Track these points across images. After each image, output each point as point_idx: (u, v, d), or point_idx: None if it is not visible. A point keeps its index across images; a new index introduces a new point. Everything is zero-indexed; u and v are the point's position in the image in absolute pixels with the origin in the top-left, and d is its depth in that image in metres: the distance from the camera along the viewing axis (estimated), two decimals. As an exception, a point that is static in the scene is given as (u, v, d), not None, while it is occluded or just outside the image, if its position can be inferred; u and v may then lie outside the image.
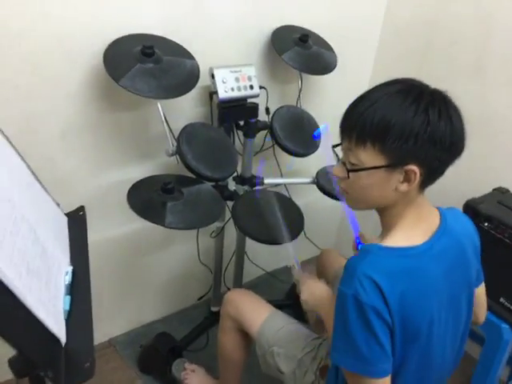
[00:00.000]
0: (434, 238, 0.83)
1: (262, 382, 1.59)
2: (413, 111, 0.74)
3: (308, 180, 1.62)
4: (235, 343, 1.26)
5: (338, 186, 0.87)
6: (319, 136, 1.05)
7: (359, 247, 1.09)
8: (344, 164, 0.83)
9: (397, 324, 0.78)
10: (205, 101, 1.47)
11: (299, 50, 1.50)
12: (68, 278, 0.82)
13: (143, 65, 1.15)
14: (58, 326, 0.71)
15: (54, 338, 0.69)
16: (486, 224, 1.32)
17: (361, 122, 0.77)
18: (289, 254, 1.13)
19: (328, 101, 1.81)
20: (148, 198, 1.14)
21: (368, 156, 0.78)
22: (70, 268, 0.85)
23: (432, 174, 0.79)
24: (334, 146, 0.87)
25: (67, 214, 1.02)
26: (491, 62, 1.52)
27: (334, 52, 1.59)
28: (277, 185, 1.65)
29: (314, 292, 1.03)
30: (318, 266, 1.49)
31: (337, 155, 0.87)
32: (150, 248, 1.67)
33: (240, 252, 1.73)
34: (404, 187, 0.78)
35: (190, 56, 1.25)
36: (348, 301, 0.77)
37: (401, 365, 0.84)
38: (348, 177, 0.82)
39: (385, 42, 1.84)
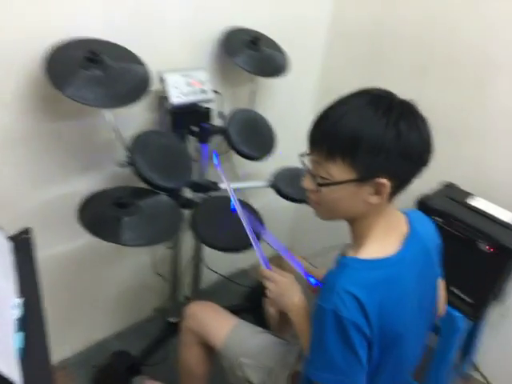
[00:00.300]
0: (405, 245, 0.84)
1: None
2: (384, 124, 0.73)
3: (264, 183, 1.60)
4: (198, 357, 1.22)
5: (309, 197, 0.86)
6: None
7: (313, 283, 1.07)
8: (314, 176, 0.81)
9: (375, 335, 0.79)
10: (155, 106, 1.41)
11: (251, 53, 1.47)
12: (17, 312, 0.74)
13: (88, 72, 1.07)
14: (8, 368, 0.64)
15: (7, 381, 0.62)
16: (439, 219, 1.37)
17: (331, 136, 0.76)
18: (256, 251, 1.08)
19: (280, 103, 1.81)
20: (101, 214, 1.06)
21: (338, 170, 0.77)
22: (18, 300, 0.77)
23: (401, 184, 0.80)
24: (302, 156, 0.85)
25: (10, 238, 0.93)
26: (435, 62, 1.58)
27: (285, 54, 1.58)
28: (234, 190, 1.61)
29: (285, 293, 0.99)
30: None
31: (305, 165, 0.85)
32: (100, 262, 1.58)
33: (197, 260, 1.68)
34: (374, 200, 0.79)
35: (139, 61, 1.18)
36: (327, 316, 0.76)
37: (377, 368, 0.84)
38: (318, 191, 0.81)
39: (332, 44, 1.85)
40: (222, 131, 1.48)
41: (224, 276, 2.07)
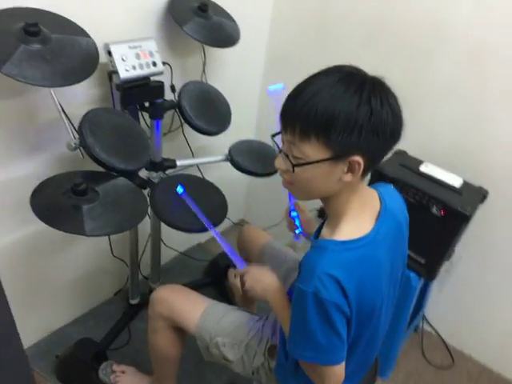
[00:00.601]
0: (379, 222, 0.85)
1: (198, 369, 1.58)
2: (356, 101, 0.72)
3: (221, 158, 1.57)
4: (170, 341, 1.20)
5: (282, 177, 0.85)
6: (274, 93, 0.99)
7: (292, 214, 1.13)
8: (287, 156, 0.80)
9: (354, 312, 0.81)
10: (101, 81, 1.31)
11: (200, 21, 1.40)
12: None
13: (28, 46, 0.96)
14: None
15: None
16: (392, 186, 1.42)
17: (303, 115, 0.74)
18: (230, 256, 1.09)
19: (229, 74, 1.75)
20: (56, 204, 0.98)
21: (312, 149, 0.76)
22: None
23: (374, 162, 0.80)
24: (273, 136, 0.83)
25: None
26: (385, 31, 1.59)
27: (235, 22, 1.52)
28: (189, 166, 1.57)
29: (262, 280, 1.01)
30: (239, 243, 1.47)
31: (277, 146, 0.84)
32: (53, 248, 1.49)
33: (156, 239, 1.64)
34: (348, 177, 0.79)
35: (83, 33, 1.08)
36: (308, 298, 0.78)
37: (354, 342, 0.88)
38: (293, 171, 0.79)
39: (279, 12, 1.80)
40: (176, 106, 1.42)
41: (182, 252, 2.04)
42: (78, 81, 1.00)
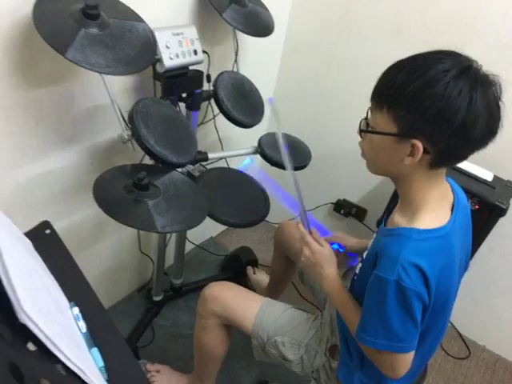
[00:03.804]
0: (454, 214, 0.86)
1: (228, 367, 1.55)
2: (430, 83, 0.72)
3: (251, 150, 1.53)
4: (219, 339, 1.17)
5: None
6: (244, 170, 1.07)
7: (333, 247, 1.13)
8: (366, 124, 0.83)
9: (432, 302, 0.81)
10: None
11: (237, 8, 1.35)
12: (83, 325, 0.64)
13: (87, 30, 0.90)
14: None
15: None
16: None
17: (384, 84, 0.77)
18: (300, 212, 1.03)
19: (250, 62, 1.70)
20: (120, 199, 0.92)
21: (382, 121, 0.78)
22: (76, 309, 0.66)
23: (443, 155, 0.78)
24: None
25: (27, 235, 0.78)
26: (411, 25, 1.59)
27: (268, 10, 1.48)
28: (220, 158, 1.53)
29: (320, 263, 0.98)
30: (276, 240, 1.45)
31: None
32: (80, 244, 1.42)
33: (182, 235, 1.59)
34: (408, 161, 0.79)
35: (137, 17, 1.02)
36: (389, 286, 0.78)
37: (425, 333, 0.88)
38: (360, 136, 0.83)
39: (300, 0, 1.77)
40: (211, 96, 1.38)
41: (199, 246, 2.00)
42: (142, 68, 0.95)
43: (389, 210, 0.99)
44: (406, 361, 0.85)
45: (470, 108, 0.72)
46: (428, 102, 0.72)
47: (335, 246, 1.14)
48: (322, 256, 0.99)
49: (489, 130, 0.75)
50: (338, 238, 1.15)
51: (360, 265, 0.99)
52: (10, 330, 0.44)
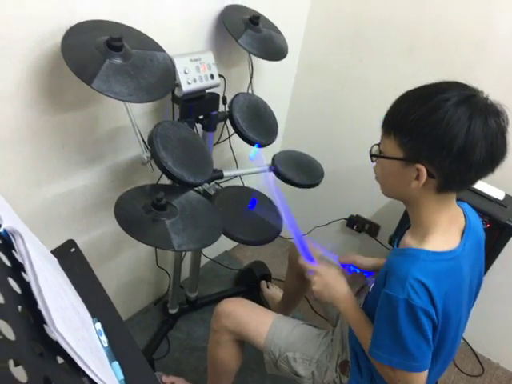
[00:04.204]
0: (465, 238, 0.88)
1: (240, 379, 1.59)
2: (430, 111, 0.76)
3: (265, 168, 1.58)
4: (232, 354, 1.21)
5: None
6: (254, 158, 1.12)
7: (351, 269, 1.17)
8: (378, 150, 0.88)
9: (440, 321, 0.84)
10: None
11: (252, 34, 1.41)
12: (105, 339, 0.68)
13: (111, 61, 0.96)
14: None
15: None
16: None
17: (392, 112, 0.83)
18: (299, 247, 1.11)
19: (265, 82, 1.75)
20: (139, 218, 0.98)
21: (390, 146, 0.83)
22: (99, 324, 0.71)
23: (447, 180, 0.81)
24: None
25: (53, 252, 0.84)
26: (421, 44, 1.62)
27: (282, 35, 1.54)
28: (234, 176, 1.58)
29: (333, 287, 1.02)
30: (290, 257, 1.49)
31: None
32: (100, 259, 1.48)
33: (197, 250, 1.64)
34: (414, 184, 0.82)
35: (157, 47, 1.08)
36: (399, 304, 0.81)
37: (435, 353, 0.90)
38: (371, 160, 0.89)
39: (314, 19, 1.82)
40: (227, 117, 1.43)
41: (216, 261, 2.04)
42: (162, 96, 1.01)
43: (402, 232, 1.02)
44: (420, 381, 0.87)
45: (467, 135, 0.75)
46: (428, 128, 0.77)
47: (352, 268, 1.17)
48: (330, 276, 1.03)
49: (490, 157, 0.77)
50: (352, 259, 1.18)
51: (373, 284, 1.02)
52: (43, 346, 0.49)
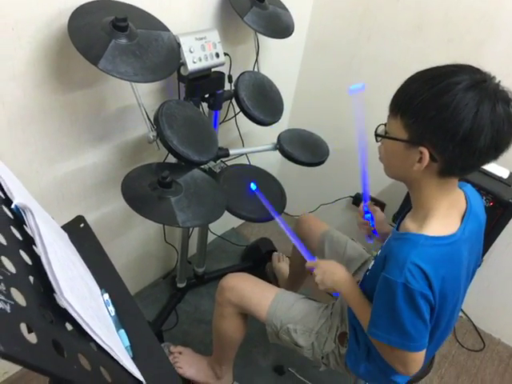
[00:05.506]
0: (465, 222, 0.89)
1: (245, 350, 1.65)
2: (438, 93, 0.76)
3: (270, 147, 1.60)
4: (235, 326, 1.26)
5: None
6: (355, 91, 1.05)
7: (366, 216, 1.18)
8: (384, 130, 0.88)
9: (437, 303, 0.86)
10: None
11: (258, 11, 1.40)
12: (112, 309, 0.73)
13: (117, 41, 0.98)
14: (133, 368, 0.64)
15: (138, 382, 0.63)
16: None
17: (399, 92, 0.83)
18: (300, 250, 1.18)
19: (271, 61, 1.75)
20: (145, 196, 1.01)
21: (396, 127, 0.84)
22: (107, 295, 0.75)
23: (449, 164, 0.81)
24: None
25: (63, 228, 0.88)
26: (432, 21, 1.60)
27: (288, 11, 1.53)
28: (241, 154, 1.60)
29: (333, 273, 1.06)
30: (297, 232, 1.51)
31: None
32: (110, 235, 1.53)
33: (205, 226, 1.68)
34: (417, 167, 0.83)
35: (162, 26, 1.10)
36: (397, 288, 0.83)
37: (433, 328, 0.93)
38: (376, 140, 0.89)
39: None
40: (232, 96, 1.44)
41: (220, 236, 2.09)
42: (166, 75, 1.03)
43: (403, 214, 1.03)
44: (417, 359, 0.91)
45: (474, 120, 0.75)
46: (435, 111, 0.76)
47: (368, 216, 1.18)
48: (329, 264, 1.10)
49: (494, 144, 0.77)
50: (374, 209, 1.19)
51: (372, 262, 1.05)
52: (52, 313, 0.54)
